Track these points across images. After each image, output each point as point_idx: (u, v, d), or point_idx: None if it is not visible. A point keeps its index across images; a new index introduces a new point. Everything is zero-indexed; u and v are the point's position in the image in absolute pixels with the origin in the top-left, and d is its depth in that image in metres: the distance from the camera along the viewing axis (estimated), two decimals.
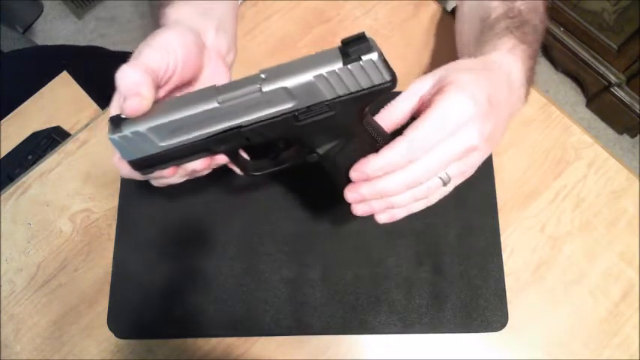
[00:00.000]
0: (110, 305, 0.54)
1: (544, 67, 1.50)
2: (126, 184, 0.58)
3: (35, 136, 0.73)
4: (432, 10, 0.66)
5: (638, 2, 1.10)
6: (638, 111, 1.31)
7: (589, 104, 1.45)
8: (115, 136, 0.34)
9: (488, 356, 0.53)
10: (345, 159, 0.36)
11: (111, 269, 0.55)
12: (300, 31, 0.65)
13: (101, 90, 0.76)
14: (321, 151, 0.36)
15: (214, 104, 0.33)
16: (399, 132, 0.36)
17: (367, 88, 0.33)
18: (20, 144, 0.73)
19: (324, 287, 0.54)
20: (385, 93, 0.33)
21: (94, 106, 0.75)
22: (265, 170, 0.40)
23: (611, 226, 0.57)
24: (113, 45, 1.53)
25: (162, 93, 0.37)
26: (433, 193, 0.38)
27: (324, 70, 0.31)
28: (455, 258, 0.55)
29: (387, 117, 0.38)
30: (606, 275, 0.56)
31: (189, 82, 0.40)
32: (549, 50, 1.42)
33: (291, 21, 0.65)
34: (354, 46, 0.31)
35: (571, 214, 0.58)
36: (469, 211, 0.57)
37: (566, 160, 0.60)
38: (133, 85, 0.33)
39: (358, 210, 0.37)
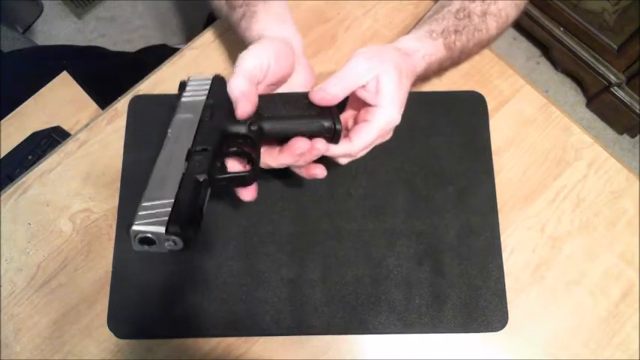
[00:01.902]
0: (110, 305, 0.54)
1: (544, 67, 1.50)
2: (126, 184, 0.58)
3: (35, 136, 0.73)
4: None
5: (638, 2, 1.10)
6: (638, 111, 1.31)
7: (589, 104, 1.45)
8: (137, 228, 0.37)
9: (488, 356, 0.53)
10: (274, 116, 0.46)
11: (111, 269, 0.56)
12: (300, 31, 0.65)
13: (101, 90, 0.76)
14: (247, 120, 0.45)
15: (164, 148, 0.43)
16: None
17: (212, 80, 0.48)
18: (20, 144, 0.73)
19: (324, 287, 0.54)
20: (221, 78, 0.48)
21: (94, 106, 0.75)
22: (256, 173, 0.44)
23: (611, 226, 0.57)
24: (113, 45, 1.53)
25: (261, 88, 0.46)
26: None
27: (182, 97, 0.47)
28: (455, 258, 0.55)
29: (328, 94, 0.45)
30: (606, 275, 0.56)
31: (282, 79, 0.48)
32: (549, 50, 1.42)
33: None
34: (182, 84, 0.48)
35: (571, 214, 0.58)
36: (469, 211, 0.57)
37: (566, 160, 0.60)
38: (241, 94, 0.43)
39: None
